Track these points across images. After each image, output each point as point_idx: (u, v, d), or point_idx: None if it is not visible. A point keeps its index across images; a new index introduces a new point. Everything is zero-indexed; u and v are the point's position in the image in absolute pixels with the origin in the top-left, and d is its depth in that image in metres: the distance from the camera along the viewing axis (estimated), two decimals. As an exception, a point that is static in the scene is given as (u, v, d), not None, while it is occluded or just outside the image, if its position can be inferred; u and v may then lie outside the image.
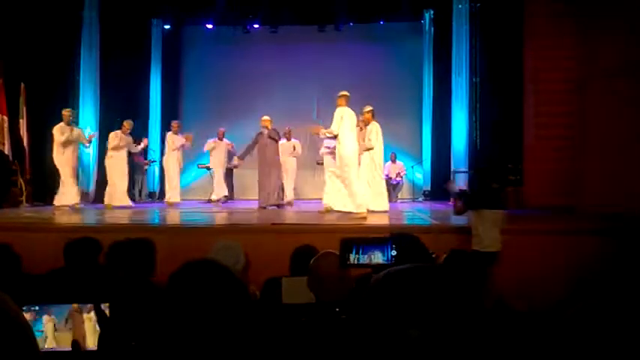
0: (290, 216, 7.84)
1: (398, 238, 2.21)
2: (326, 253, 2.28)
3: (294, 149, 10.34)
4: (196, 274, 1.56)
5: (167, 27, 12.66)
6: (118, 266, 2.93)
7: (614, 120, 7.39)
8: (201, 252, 3.40)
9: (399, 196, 11.57)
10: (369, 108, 8.10)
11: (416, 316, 0.87)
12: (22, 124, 9.16)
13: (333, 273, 2.16)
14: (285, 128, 10.39)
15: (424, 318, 0.86)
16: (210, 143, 10.65)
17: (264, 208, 8.72)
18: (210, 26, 12.43)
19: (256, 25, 12.36)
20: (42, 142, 8.94)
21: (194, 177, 12.45)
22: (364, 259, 2.03)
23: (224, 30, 12.51)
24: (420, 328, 0.85)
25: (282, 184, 9.32)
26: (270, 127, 9.00)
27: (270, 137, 8.92)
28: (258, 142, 9.01)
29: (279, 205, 8.90)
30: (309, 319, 2.02)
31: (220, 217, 7.84)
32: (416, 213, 8.36)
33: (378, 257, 2.02)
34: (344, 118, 6.98)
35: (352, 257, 2.01)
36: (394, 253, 1.99)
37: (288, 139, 10.42)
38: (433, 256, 2.52)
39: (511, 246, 5.41)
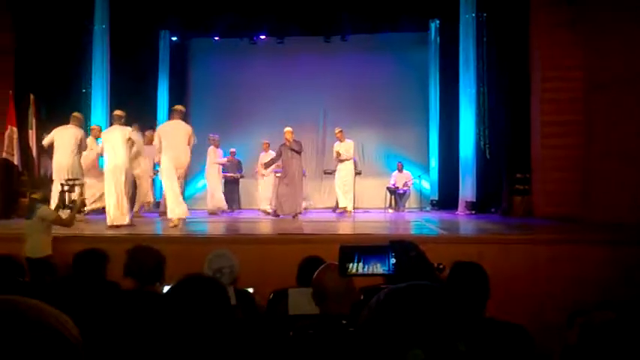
0: (301, 225, 7.83)
1: (396, 245, 2.18)
2: (328, 266, 2.26)
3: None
4: (194, 288, 1.56)
5: (175, 39, 12.76)
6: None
7: (621, 129, 7.36)
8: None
9: (407, 206, 11.53)
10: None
11: (419, 337, 0.85)
12: (32, 135, 9.19)
13: (336, 285, 2.15)
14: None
15: (427, 339, 0.85)
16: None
17: (295, 216, 8.82)
18: (217, 38, 12.53)
19: (263, 37, 12.43)
20: (51, 153, 8.96)
21: (200, 188, 12.45)
22: (365, 268, 1.99)
23: (231, 41, 12.61)
24: (424, 350, 0.84)
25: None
26: (291, 139, 9.04)
27: (292, 149, 8.98)
28: (282, 154, 9.13)
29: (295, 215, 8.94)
30: (316, 331, 2.01)
31: (227, 228, 7.84)
32: (424, 223, 8.32)
33: (378, 266, 1.98)
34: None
35: (353, 266, 1.98)
36: (394, 261, 1.96)
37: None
38: (440, 267, 2.49)
39: (522, 256, 5.38)
